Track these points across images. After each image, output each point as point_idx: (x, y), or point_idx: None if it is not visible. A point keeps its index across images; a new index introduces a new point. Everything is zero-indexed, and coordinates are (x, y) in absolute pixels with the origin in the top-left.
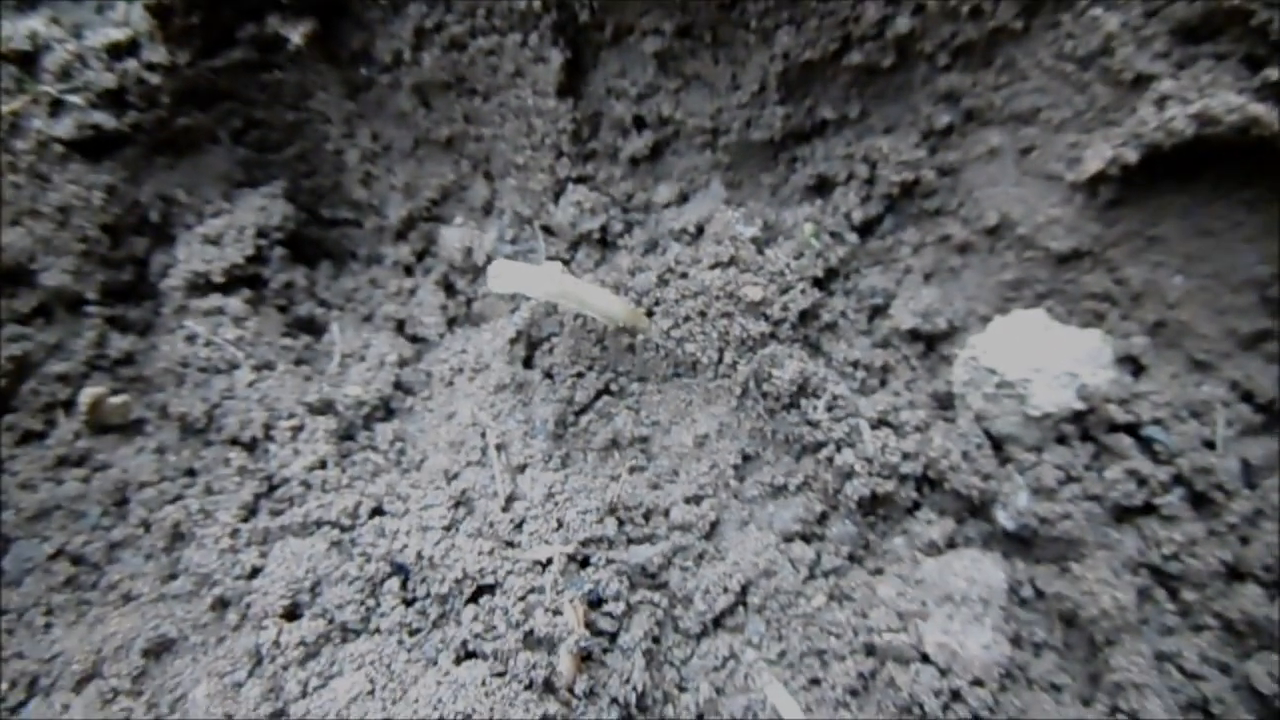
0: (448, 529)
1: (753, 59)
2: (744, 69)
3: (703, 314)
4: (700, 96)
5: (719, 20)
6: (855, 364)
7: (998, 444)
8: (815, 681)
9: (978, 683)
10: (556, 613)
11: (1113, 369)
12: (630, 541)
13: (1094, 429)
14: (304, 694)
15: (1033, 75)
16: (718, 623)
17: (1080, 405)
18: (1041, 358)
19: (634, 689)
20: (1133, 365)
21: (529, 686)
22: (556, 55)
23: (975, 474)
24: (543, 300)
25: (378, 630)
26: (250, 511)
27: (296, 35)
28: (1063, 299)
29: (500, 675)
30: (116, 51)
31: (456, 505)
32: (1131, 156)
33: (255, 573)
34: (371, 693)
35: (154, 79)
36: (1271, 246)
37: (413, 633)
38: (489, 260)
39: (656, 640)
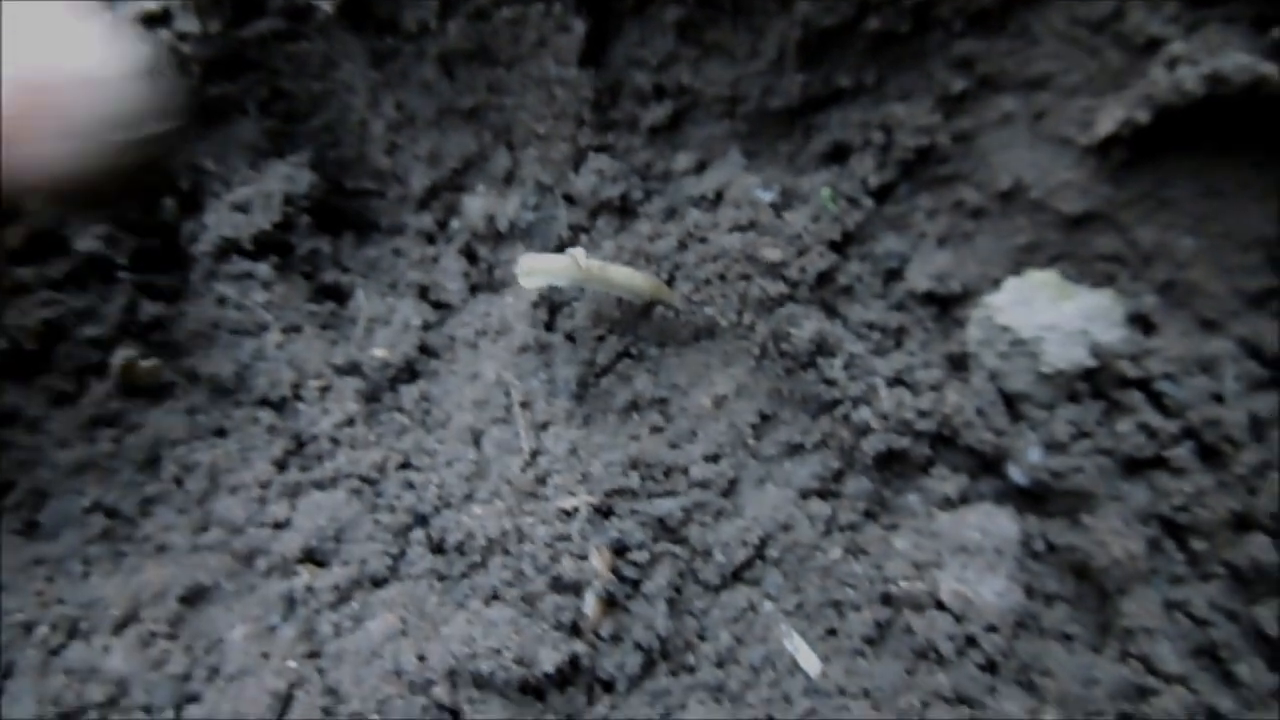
0: (473, 481)
1: (772, 26)
2: (763, 37)
3: (722, 277)
4: (719, 65)
5: None
6: (871, 325)
7: (1010, 401)
8: (832, 631)
9: (992, 629)
10: (582, 558)
11: (1124, 327)
12: (652, 495)
13: (1105, 385)
14: (337, 634)
15: (1046, 41)
16: (736, 575)
17: (1092, 362)
18: (1054, 317)
19: (657, 635)
20: (1143, 324)
21: (556, 626)
22: (579, 25)
23: (988, 430)
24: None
25: (407, 576)
26: (280, 467)
27: (328, 3)
28: (1075, 260)
29: (529, 616)
30: (150, 21)
31: (482, 459)
32: (1143, 117)
33: (285, 524)
34: (404, 632)
35: (186, 48)
36: (1278, 206)
37: (442, 579)
38: (511, 227)
39: (678, 590)
